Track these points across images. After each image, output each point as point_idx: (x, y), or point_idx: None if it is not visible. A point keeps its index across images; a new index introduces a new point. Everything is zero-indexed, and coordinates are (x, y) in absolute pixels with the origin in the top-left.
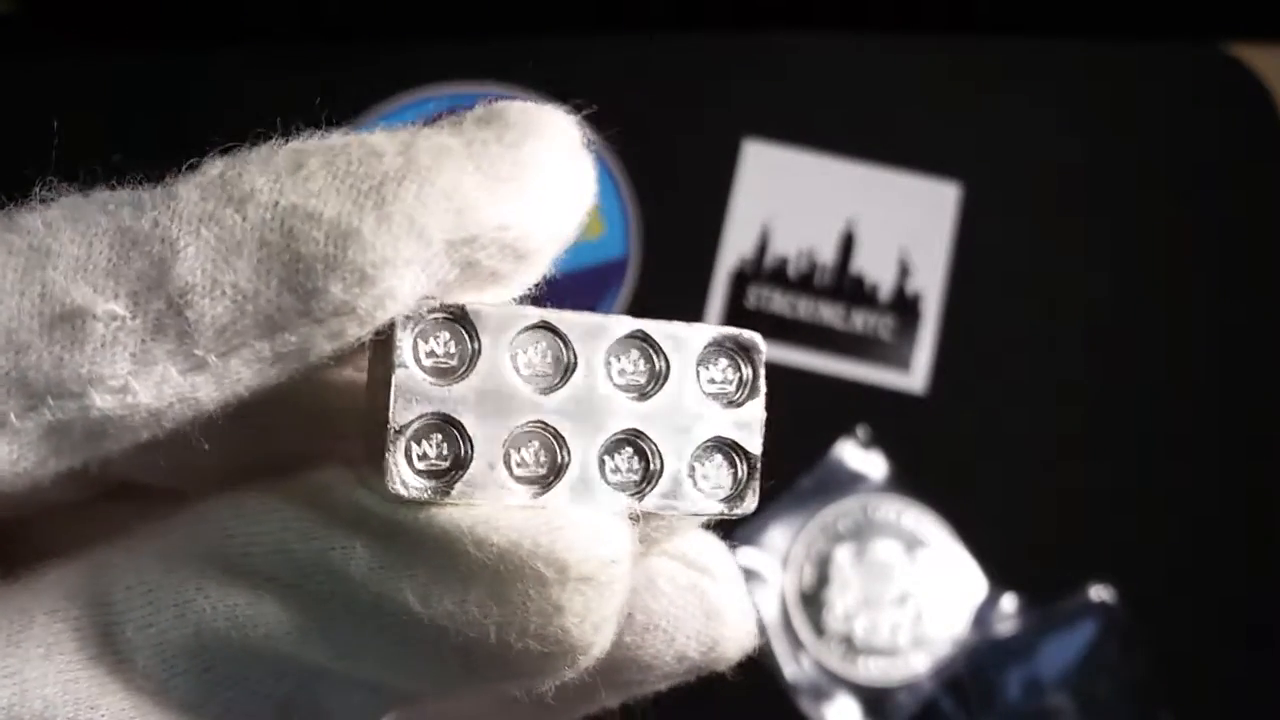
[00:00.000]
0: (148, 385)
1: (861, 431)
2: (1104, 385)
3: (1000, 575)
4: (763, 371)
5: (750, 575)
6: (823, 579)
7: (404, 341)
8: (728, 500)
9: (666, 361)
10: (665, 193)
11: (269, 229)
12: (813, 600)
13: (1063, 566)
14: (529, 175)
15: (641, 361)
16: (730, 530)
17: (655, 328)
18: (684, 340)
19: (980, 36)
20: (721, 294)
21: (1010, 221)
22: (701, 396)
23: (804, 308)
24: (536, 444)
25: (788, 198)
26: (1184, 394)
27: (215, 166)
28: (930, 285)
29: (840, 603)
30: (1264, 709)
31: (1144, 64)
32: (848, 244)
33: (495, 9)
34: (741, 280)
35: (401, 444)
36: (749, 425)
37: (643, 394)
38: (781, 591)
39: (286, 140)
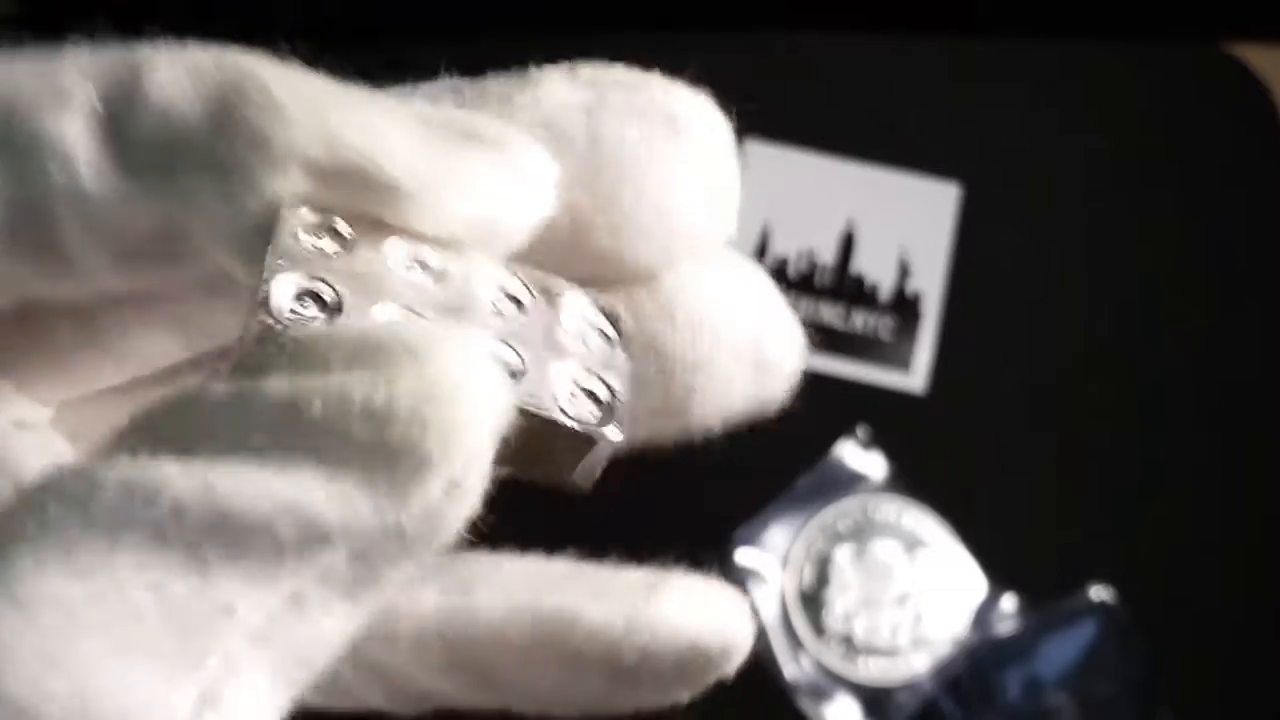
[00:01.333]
0: (88, 173)
1: (861, 431)
2: (1104, 385)
3: (1000, 575)
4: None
5: (750, 575)
6: (823, 579)
7: (288, 220)
8: (595, 421)
9: (539, 297)
10: None
11: (228, 86)
12: (813, 600)
13: (1063, 566)
14: (392, 132)
15: (521, 290)
16: (730, 530)
17: (529, 273)
18: (555, 287)
19: (980, 36)
20: None
21: (1010, 221)
22: (570, 333)
23: (804, 308)
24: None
25: (788, 198)
26: (1184, 393)
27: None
28: (930, 285)
29: (840, 603)
30: (1264, 709)
31: (1144, 64)
32: (848, 244)
33: (495, 9)
34: None
35: (278, 281)
36: (615, 367)
37: (518, 310)
38: (781, 591)
39: None
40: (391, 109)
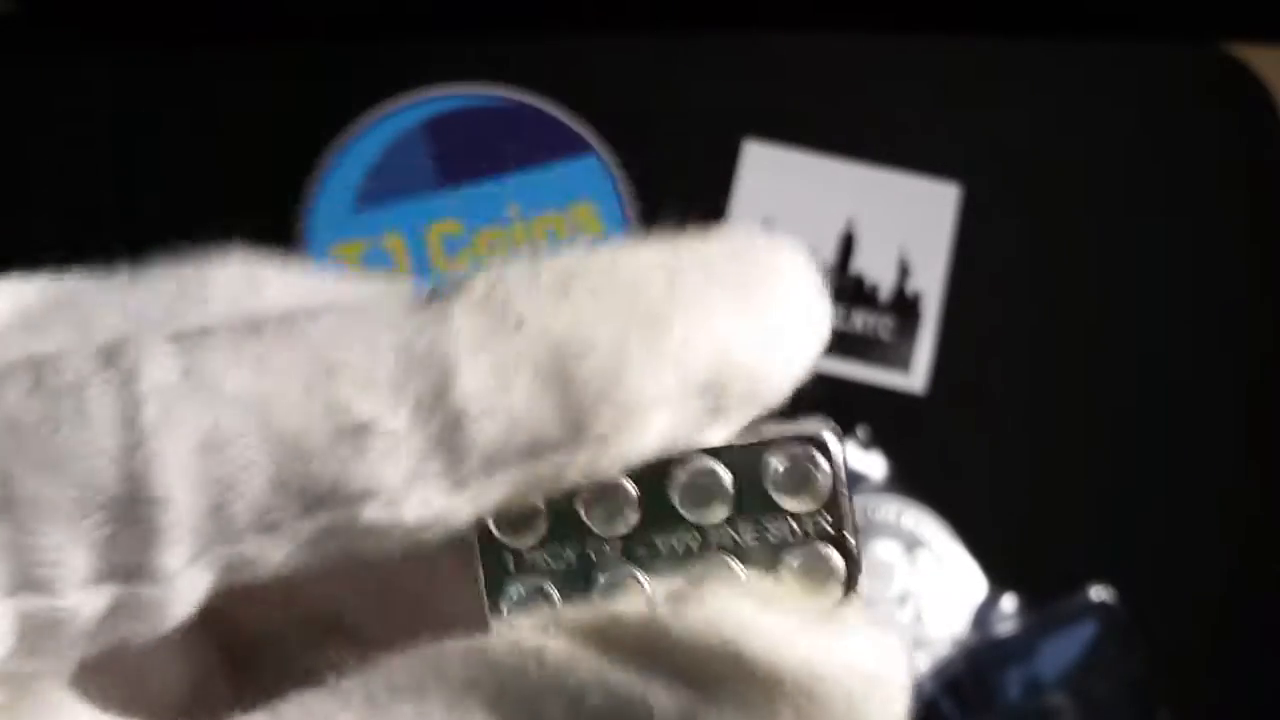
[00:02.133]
0: (413, 504)
1: (861, 431)
2: (1104, 385)
3: (1000, 575)
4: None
5: None
6: None
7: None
8: None
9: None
10: (665, 193)
11: (544, 353)
12: None
13: (1063, 566)
14: (785, 330)
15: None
16: None
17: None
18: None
19: (980, 36)
20: None
21: (1010, 221)
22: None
23: None
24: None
25: (788, 198)
26: (1184, 393)
27: (479, 286)
28: (930, 285)
29: None
30: (1264, 709)
31: (1144, 64)
32: (848, 244)
33: (495, 9)
34: None
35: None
36: None
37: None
38: None
39: (545, 254)
40: (695, 297)
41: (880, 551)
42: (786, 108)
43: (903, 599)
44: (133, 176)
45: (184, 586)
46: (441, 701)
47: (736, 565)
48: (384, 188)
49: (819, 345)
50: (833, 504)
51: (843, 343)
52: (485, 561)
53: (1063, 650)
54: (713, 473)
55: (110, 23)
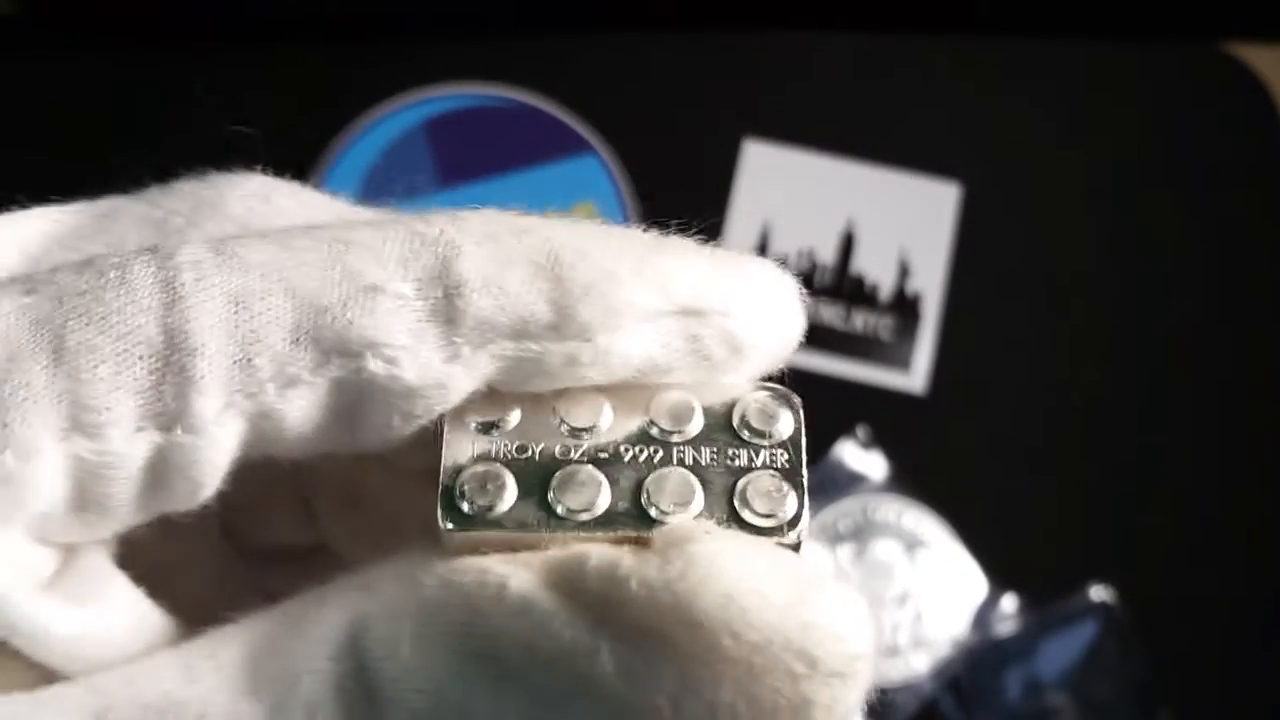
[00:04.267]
0: (413, 364)
1: (861, 431)
2: (1104, 385)
3: (1000, 575)
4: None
5: None
6: None
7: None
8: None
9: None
10: (665, 193)
11: (539, 253)
12: None
13: (1063, 566)
14: (753, 280)
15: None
16: None
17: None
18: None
19: (980, 36)
20: None
21: (1010, 221)
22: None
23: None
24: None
25: (788, 198)
26: (1184, 393)
27: (493, 210)
28: (930, 285)
29: None
30: (1264, 709)
31: (1144, 64)
32: (848, 244)
33: (495, 9)
34: None
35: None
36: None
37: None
38: None
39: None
40: (680, 247)
41: (880, 551)
42: (786, 108)
43: (903, 599)
44: (132, 176)
45: (218, 435)
46: (411, 620)
47: (695, 482)
48: (384, 187)
49: (789, 332)
50: (793, 446)
51: (843, 343)
52: (449, 439)
53: (1063, 650)
54: (686, 400)
55: (110, 23)
